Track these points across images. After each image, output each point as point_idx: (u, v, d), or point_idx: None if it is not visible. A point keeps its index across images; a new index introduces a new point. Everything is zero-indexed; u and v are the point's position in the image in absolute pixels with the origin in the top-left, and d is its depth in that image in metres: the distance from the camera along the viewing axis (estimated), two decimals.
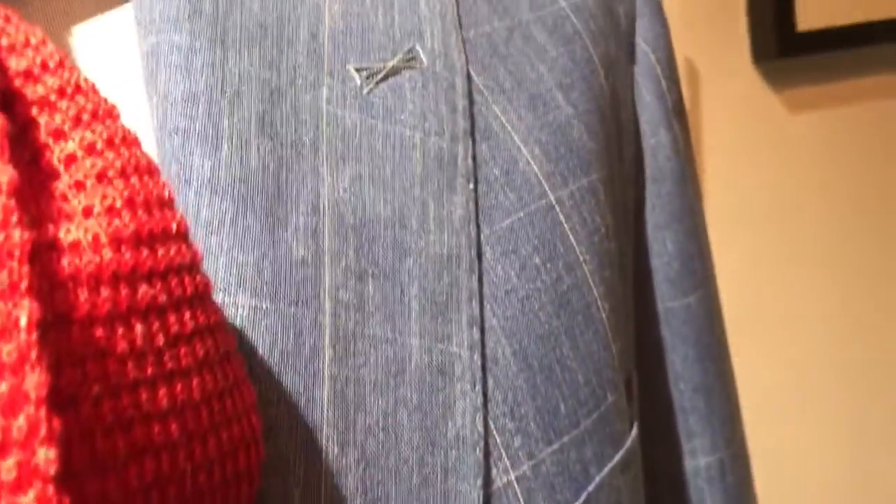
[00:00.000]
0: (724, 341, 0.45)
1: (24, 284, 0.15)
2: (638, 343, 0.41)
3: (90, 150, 0.19)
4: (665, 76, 0.42)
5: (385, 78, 0.31)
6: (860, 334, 1.25)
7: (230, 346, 0.20)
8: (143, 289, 0.18)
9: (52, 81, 0.20)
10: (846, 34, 1.14)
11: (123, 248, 0.18)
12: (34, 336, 0.15)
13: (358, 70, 0.30)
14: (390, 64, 0.31)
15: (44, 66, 0.20)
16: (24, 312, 0.15)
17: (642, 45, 0.42)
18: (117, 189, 0.18)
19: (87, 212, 0.18)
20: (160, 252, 0.18)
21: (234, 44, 0.28)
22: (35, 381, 0.15)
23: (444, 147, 0.31)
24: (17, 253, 0.16)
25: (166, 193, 0.19)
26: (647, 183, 0.42)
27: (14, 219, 0.16)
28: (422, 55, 0.32)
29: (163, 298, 0.18)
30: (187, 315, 0.19)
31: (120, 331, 0.18)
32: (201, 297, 0.19)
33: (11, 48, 0.20)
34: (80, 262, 0.17)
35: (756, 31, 1.15)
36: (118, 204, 0.18)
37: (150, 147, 0.26)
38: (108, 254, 0.18)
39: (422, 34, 0.33)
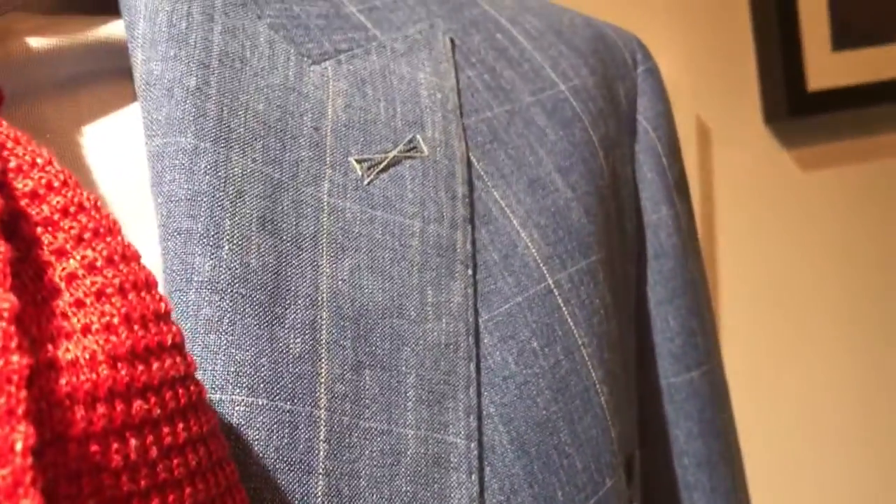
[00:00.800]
0: (730, 416, 0.45)
1: (20, 409, 0.16)
2: (641, 418, 0.41)
3: (90, 268, 0.20)
4: (666, 153, 0.43)
5: (386, 168, 0.31)
6: (878, 394, 1.24)
7: (223, 453, 0.21)
8: (137, 403, 0.19)
9: (56, 201, 0.20)
10: (856, 93, 1.15)
11: (119, 365, 0.19)
12: (29, 461, 0.16)
13: (359, 161, 0.31)
14: (391, 154, 0.32)
15: (49, 186, 0.21)
16: (20, 437, 0.16)
17: (643, 123, 0.42)
18: (115, 306, 0.19)
19: (86, 329, 0.19)
20: (155, 366, 0.19)
21: (237, 142, 0.29)
22: None
23: (442, 234, 0.31)
24: (15, 378, 0.16)
25: (163, 307, 0.20)
26: (648, 259, 0.42)
27: (13, 344, 0.17)
28: (422, 144, 0.33)
29: (157, 411, 0.19)
30: (181, 426, 0.19)
31: (115, 445, 0.18)
32: (195, 406, 0.20)
33: (18, 169, 0.21)
34: (77, 380, 0.18)
35: (767, 91, 1.15)
36: (115, 321, 0.19)
37: (153, 246, 0.27)
38: (104, 371, 0.18)
39: (423, 124, 0.33)
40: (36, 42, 0.29)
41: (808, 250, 1.21)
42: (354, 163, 0.31)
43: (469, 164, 0.34)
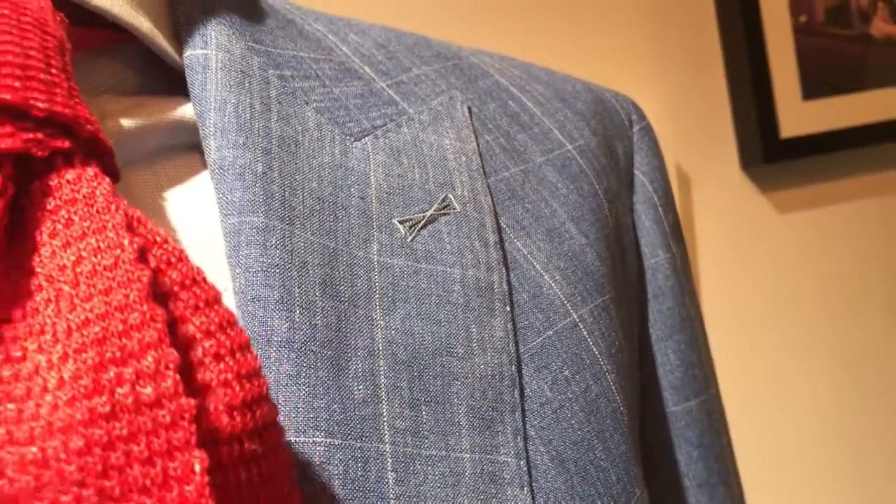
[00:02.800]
0: (728, 441, 0.48)
1: (193, 440, 0.21)
2: (645, 444, 0.45)
3: (206, 333, 0.24)
4: (661, 203, 0.47)
5: (425, 225, 0.35)
6: (860, 428, 1.27)
7: (294, 478, 0.25)
8: (247, 444, 0.23)
9: (174, 275, 0.25)
10: (826, 140, 1.19)
11: (234, 414, 0.23)
12: (206, 479, 0.20)
13: (402, 222, 0.35)
14: (428, 213, 0.36)
15: (168, 262, 0.25)
16: (198, 461, 0.20)
17: (640, 177, 0.46)
18: (228, 365, 0.24)
19: (207, 386, 0.23)
20: (258, 413, 0.24)
21: (298, 218, 0.33)
22: None
23: (480, 277, 0.35)
24: (187, 416, 0.21)
25: (258, 364, 0.24)
26: (649, 300, 0.46)
27: (181, 389, 0.21)
28: (454, 202, 0.37)
29: (261, 450, 0.23)
30: (272, 460, 0.24)
31: (232, 473, 0.23)
32: (282, 444, 0.24)
33: (141, 248, 0.25)
34: (210, 426, 0.22)
35: (742, 139, 1.19)
36: (230, 377, 0.23)
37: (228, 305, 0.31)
38: (224, 419, 0.23)
39: (452, 184, 0.37)
40: (126, 122, 0.33)
41: (785, 288, 1.24)
42: (398, 224, 0.35)
43: (496, 216, 0.38)
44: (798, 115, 1.17)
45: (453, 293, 0.34)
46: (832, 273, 1.25)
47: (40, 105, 0.27)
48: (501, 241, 0.37)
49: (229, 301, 0.32)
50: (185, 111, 0.35)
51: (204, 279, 0.26)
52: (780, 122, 1.17)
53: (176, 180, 0.34)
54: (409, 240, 0.35)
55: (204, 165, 0.35)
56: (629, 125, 0.47)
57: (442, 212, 0.36)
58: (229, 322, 0.25)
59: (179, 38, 0.36)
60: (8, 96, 0.26)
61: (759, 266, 1.23)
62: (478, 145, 0.40)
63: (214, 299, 0.25)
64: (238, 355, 0.24)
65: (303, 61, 0.39)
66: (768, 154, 1.17)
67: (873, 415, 1.27)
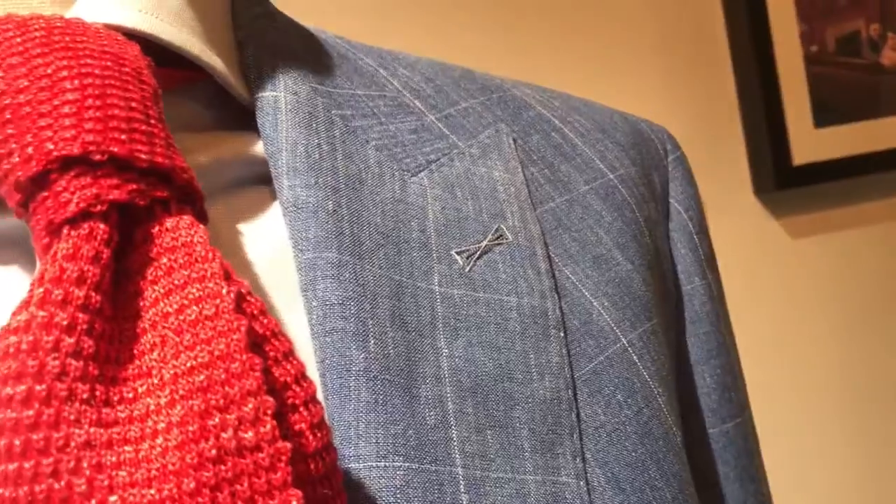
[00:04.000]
0: (760, 462, 0.50)
1: (290, 479, 0.23)
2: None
3: (285, 385, 0.26)
4: (696, 231, 0.48)
5: (480, 256, 0.37)
6: (870, 453, 1.27)
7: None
8: (319, 488, 0.25)
9: (259, 327, 0.26)
10: (837, 166, 1.21)
11: (309, 461, 0.25)
12: None
13: (459, 253, 0.36)
14: (483, 244, 0.37)
15: (254, 313, 0.26)
16: (295, 499, 0.23)
17: (675, 206, 0.48)
18: (303, 416, 0.26)
19: (293, 430, 0.25)
20: (328, 459, 0.26)
21: (367, 253, 0.34)
22: None
23: (535, 304, 0.36)
24: (283, 458, 0.23)
25: (323, 414, 0.26)
26: (686, 324, 0.47)
27: (277, 433, 0.23)
28: (506, 232, 0.38)
29: (330, 493, 0.25)
30: (333, 480, 0.26)
31: (309, 488, 0.25)
32: (343, 487, 0.26)
33: (237, 298, 0.26)
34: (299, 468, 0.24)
35: (755, 166, 1.21)
36: (304, 426, 0.25)
37: (293, 314, 0.33)
38: (301, 466, 0.25)
39: (504, 215, 0.39)
40: (203, 158, 0.35)
41: (797, 313, 1.25)
42: (455, 255, 0.36)
43: (546, 245, 0.39)
44: (810, 143, 1.19)
45: (510, 320, 0.35)
46: (845, 298, 1.27)
47: (143, 157, 0.28)
48: (552, 268, 0.38)
49: (292, 307, 0.33)
50: (256, 148, 0.37)
51: (282, 331, 0.27)
52: (793, 150, 1.18)
53: (249, 213, 0.36)
54: (466, 270, 0.36)
55: (272, 198, 0.36)
56: (664, 155, 0.49)
57: (496, 242, 0.38)
58: (302, 374, 0.26)
59: (245, 76, 0.38)
60: (116, 149, 0.28)
61: (772, 291, 1.24)
62: (524, 176, 0.41)
63: (290, 351, 0.27)
64: (310, 406, 0.26)
65: (360, 99, 0.40)
66: (781, 181, 1.19)
67: (887, 440, 1.28)
